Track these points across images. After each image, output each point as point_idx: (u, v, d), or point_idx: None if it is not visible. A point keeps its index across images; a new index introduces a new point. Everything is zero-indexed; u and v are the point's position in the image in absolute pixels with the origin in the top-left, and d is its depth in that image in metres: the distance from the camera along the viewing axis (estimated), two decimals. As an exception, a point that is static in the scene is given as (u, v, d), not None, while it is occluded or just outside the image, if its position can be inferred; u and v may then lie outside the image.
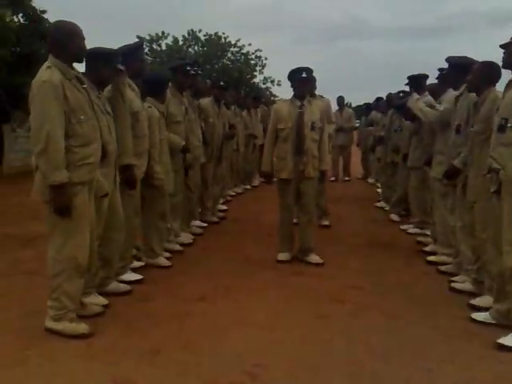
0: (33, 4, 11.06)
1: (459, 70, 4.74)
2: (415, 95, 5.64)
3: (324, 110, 5.39)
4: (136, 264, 4.79)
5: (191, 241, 5.87)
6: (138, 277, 4.51)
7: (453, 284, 4.44)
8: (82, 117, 3.27)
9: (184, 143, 5.34)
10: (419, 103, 5.47)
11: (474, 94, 4.33)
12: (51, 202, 3.23)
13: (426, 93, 6.08)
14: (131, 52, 4.30)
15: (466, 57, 4.85)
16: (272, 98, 21.43)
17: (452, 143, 4.65)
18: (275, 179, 5.28)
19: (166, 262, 4.99)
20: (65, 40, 3.25)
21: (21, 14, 11.08)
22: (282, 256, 5.26)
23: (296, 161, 5.05)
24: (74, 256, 3.32)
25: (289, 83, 5.15)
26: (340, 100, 11.92)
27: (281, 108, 5.18)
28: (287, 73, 5.15)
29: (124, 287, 4.23)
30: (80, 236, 3.33)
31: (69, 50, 3.26)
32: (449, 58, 4.92)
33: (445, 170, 4.66)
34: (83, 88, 3.35)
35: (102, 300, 3.88)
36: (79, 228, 3.33)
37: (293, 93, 5.17)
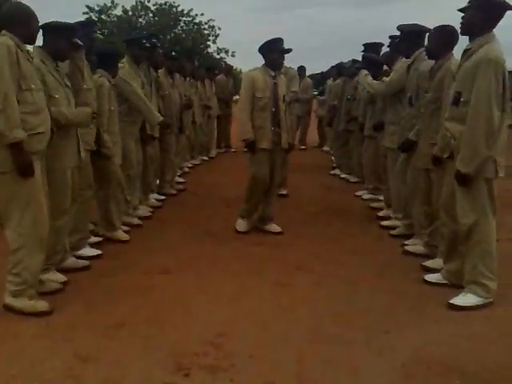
0: None
1: (411, 38, 4.75)
2: (363, 71, 5.83)
3: (287, 83, 5.39)
4: (93, 239, 4.73)
5: (149, 214, 5.83)
6: (97, 252, 4.47)
7: (406, 247, 4.59)
8: (33, 85, 3.26)
9: (161, 119, 5.28)
10: (367, 78, 5.69)
11: (426, 64, 4.40)
12: (14, 163, 3.15)
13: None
14: (82, 29, 4.20)
15: (417, 24, 4.86)
16: (234, 68, 21.06)
17: (406, 115, 4.71)
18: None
19: (125, 236, 4.95)
20: (23, 20, 3.31)
21: None
22: (243, 226, 5.28)
23: (273, 131, 5.04)
24: (34, 229, 3.28)
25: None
26: (300, 70, 11.83)
27: (257, 76, 5.02)
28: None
29: (83, 263, 4.19)
30: (37, 208, 3.29)
31: (25, 31, 3.31)
32: (400, 25, 4.91)
33: (401, 143, 4.74)
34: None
35: (61, 277, 3.83)
36: (35, 200, 3.28)
37: (264, 63, 5.05)
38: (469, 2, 3.48)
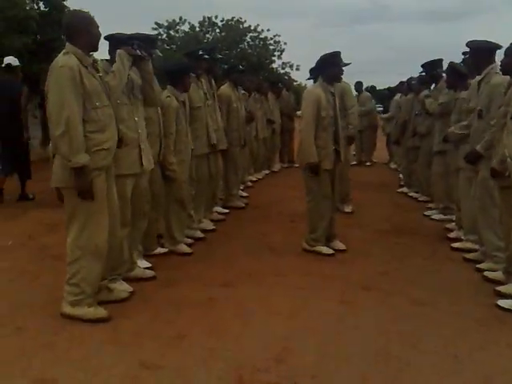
0: None
1: (480, 55, 4.62)
2: (422, 94, 6.68)
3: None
4: (160, 250, 4.84)
5: (213, 227, 5.86)
6: (148, 265, 4.44)
7: (485, 273, 4.35)
8: (98, 103, 3.30)
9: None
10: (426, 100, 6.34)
11: (498, 79, 4.31)
12: (75, 186, 3.24)
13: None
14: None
15: (486, 41, 4.69)
16: (295, 83, 21.24)
17: (475, 129, 4.56)
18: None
19: (187, 249, 4.99)
20: (82, 28, 3.30)
21: (42, 2, 11.23)
22: (328, 250, 5.03)
23: (334, 150, 4.94)
24: (93, 242, 3.35)
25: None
26: (358, 85, 11.76)
27: (320, 94, 4.83)
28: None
29: (149, 273, 4.25)
30: (99, 222, 3.36)
31: (86, 38, 3.31)
32: (469, 42, 4.75)
33: (466, 153, 4.61)
34: (99, 76, 3.40)
35: (127, 287, 3.90)
36: (97, 214, 3.35)
37: (322, 78, 4.91)
38: None
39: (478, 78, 4.68)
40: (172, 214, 4.94)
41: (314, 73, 5.09)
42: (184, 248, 4.98)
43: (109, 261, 3.58)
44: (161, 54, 26.05)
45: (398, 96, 10.60)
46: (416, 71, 7.55)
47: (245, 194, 7.97)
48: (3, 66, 7.22)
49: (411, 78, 8.74)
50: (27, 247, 5.13)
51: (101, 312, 3.43)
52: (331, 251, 5.01)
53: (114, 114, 3.46)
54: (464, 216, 5.17)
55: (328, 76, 4.90)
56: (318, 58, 4.94)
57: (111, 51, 3.79)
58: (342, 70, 5.08)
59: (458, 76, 5.69)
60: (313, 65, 5.04)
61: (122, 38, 3.78)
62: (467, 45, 4.78)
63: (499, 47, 4.49)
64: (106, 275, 3.65)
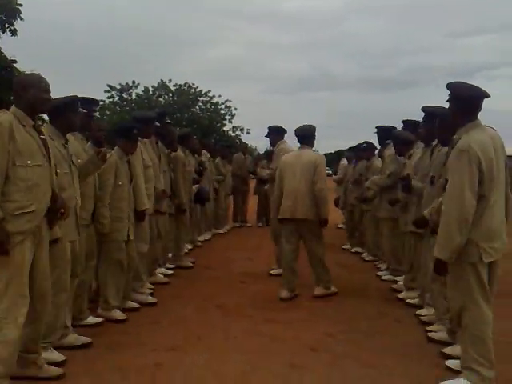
0: (3, 53, 11.21)
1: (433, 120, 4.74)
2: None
3: None
4: (93, 320, 4.52)
5: (151, 290, 5.59)
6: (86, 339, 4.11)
7: (429, 334, 4.39)
8: (29, 161, 3.14)
9: (145, 208, 5.11)
10: (374, 179, 6.55)
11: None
12: None
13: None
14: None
15: (441, 107, 4.89)
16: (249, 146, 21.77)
17: (427, 194, 4.66)
18: None
19: (121, 316, 4.71)
20: (21, 91, 3.25)
21: None
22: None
23: None
24: (12, 313, 3.06)
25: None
26: None
27: None
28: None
29: (84, 339, 4.01)
30: (17, 291, 3.08)
31: (25, 101, 3.23)
32: (425, 107, 4.91)
33: (414, 219, 4.68)
34: (41, 138, 3.28)
35: (58, 355, 3.64)
36: (16, 282, 3.07)
37: (308, 145, 5.78)
38: (448, 95, 3.54)
39: (433, 143, 4.81)
40: (109, 277, 4.70)
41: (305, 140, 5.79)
42: (117, 314, 4.71)
43: (40, 329, 3.35)
44: (120, 109, 26.28)
45: (344, 160, 10.93)
46: (360, 136, 7.86)
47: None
48: None
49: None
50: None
51: None
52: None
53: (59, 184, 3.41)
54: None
55: (312, 145, 5.87)
56: (306, 129, 5.82)
57: (52, 114, 3.77)
58: None
59: (403, 143, 5.91)
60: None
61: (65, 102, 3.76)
62: (422, 109, 4.93)
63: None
64: (36, 348, 3.38)
